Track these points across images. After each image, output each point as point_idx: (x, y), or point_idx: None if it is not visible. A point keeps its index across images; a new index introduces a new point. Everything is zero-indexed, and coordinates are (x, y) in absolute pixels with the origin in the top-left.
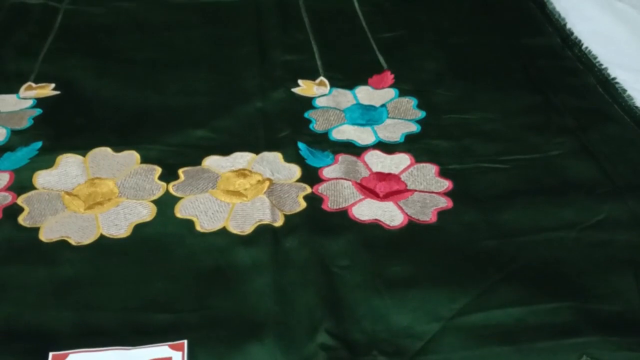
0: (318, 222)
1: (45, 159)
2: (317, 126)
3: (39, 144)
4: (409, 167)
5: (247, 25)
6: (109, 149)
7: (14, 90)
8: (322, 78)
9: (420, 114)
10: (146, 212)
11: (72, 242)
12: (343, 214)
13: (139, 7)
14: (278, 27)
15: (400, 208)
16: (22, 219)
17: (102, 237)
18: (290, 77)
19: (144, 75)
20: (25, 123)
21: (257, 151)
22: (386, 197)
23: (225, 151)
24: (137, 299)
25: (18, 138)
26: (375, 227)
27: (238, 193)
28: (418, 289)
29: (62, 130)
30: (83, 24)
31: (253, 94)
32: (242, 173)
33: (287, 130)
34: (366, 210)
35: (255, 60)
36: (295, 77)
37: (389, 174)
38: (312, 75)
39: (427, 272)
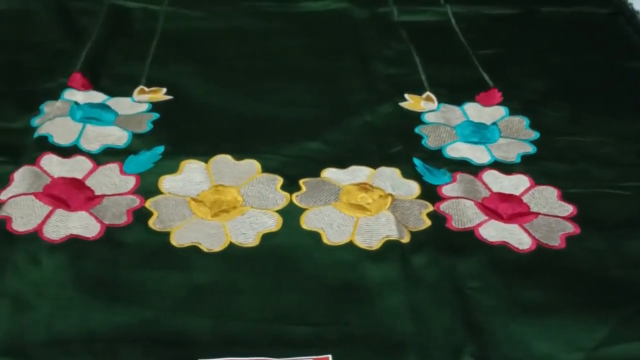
0: (445, 241)
1: (168, 164)
2: (430, 142)
3: (161, 149)
4: (529, 189)
5: (345, 36)
6: (229, 157)
7: (127, 93)
8: (428, 93)
9: (534, 135)
10: (272, 222)
11: (204, 248)
12: (469, 234)
13: (234, 12)
14: (376, 39)
15: (527, 231)
16: (152, 223)
17: (231, 245)
18: (396, 91)
19: (247, 84)
20: (145, 127)
21: (373, 165)
22: (510, 219)
23: (340, 164)
24: (272, 309)
25: (140, 141)
26: (504, 250)
27: (361, 207)
28: (556, 316)
29: (181, 135)
30: (183, 27)
31: (360, 107)
32: (363, 187)
33: (399, 145)
34: (492, 231)
35: (357, 73)
36: (400, 91)
37: (510, 195)
38: (417, 90)
39: (563, 298)
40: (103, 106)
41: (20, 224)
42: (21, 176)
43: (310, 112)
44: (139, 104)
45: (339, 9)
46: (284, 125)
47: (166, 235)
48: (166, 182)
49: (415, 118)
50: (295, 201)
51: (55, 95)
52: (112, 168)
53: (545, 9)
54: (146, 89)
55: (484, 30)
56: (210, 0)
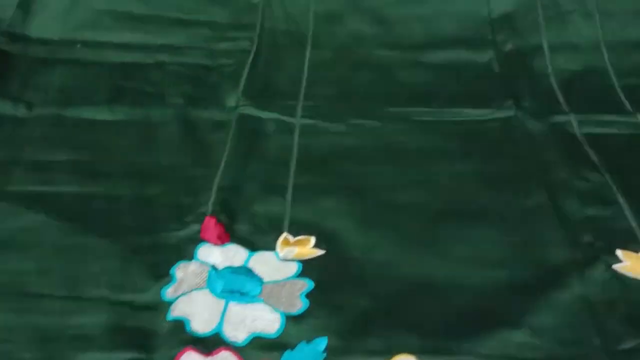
0: None
1: None
2: None
3: (324, 342)
4: None
5: (521, 156)
6: None
7: (270, 244)
8: None
9: None
10: None
11: None
12: None
13: (385, 127)
14: (560, 162)
15: None
16: None
17: None
18: (604, 245)
19: (412, 227)
20: (299, 304)
21: None
22: None
23: None
24: None
25: (296, 328)
26: None
27: None
28: None
29: (347, 317)
30: (324, 146)
31: (564, 270)
32: None
33: (634, 338)
34: None
35: (548, 215)
36: (609, 245)
37: None
38: (630, 243)
39: None
40: (246, 271)
41: None
42: None
43: (501, 277)
44: (286, 263)
45: (505, 118)
46: (474, 299)
47: None
48: None
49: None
50: None
51: (187, 251)
52: None
53: None
54: (291, 238)
55: None
56: (353, 109)
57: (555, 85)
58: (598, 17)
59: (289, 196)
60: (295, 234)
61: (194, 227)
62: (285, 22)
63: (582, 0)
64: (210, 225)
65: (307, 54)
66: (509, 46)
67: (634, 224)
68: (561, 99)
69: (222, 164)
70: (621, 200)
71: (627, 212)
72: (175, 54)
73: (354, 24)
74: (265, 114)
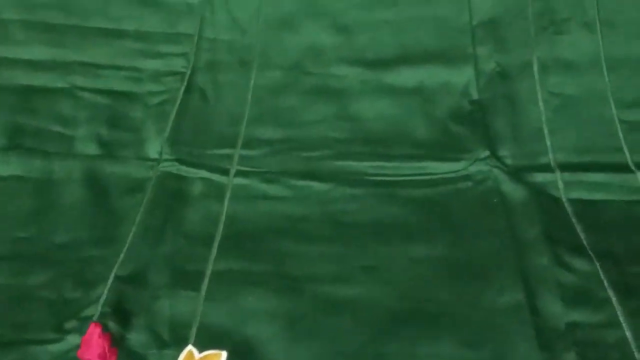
0: None
1: None
2: None
3: None
4: None
5: (498, 233)
6: None
7: None
8: None
9: None
10: None
11: None
12: None
13: (334, 191)
14: (541, 243)
15: None
16: None
17: None
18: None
19: (362, 342)
20: None
21: None
22: None
23: None
24: None
25: None
26: None
27: None
28: None
29: None
30: (260, 218)
31: None
32: None
33: None
34: None
35: (525, 322)
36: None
37: None
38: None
39: None
40: None
41: None
42: None
43: None
44: None
45: (480, 178)
46: None
47: None
48: None
49: None
50: None
51: None
52: None
53: None
54: (196, 354)
55: None
56: (299, 161)
57: (543, 120)
58: (599, 28)
59: (203, 288)
60: (203, 347)
61: (72, 340)
62: (229, 30)
63: (581, 5)
64: (94, 337)
65: (253, 77)
66: (491, 64)
67: (629, 333)
68: (548, 142)
69: (128, 242)
70: (614, 299)
71: (622, 317)
72: (92, 75)
73: (310, 32)
74: (191, 172)
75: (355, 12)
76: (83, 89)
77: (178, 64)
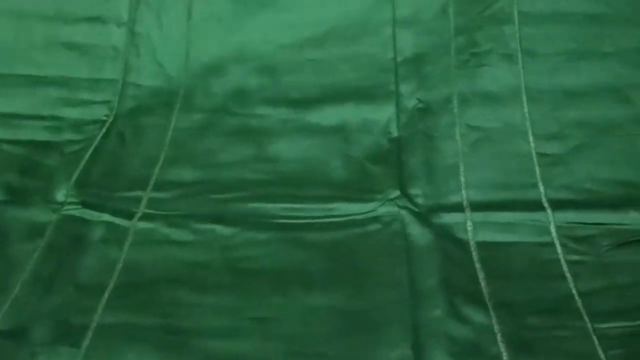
0: None
1: None
2: None
3: None
4: None
5: (397, 282)
6: None
7: None
8: None
9: None
10: None
11: None
12: None
13: (238, 236)
14: (441, 289)
15: None
16: None
17: None
18: None
19: None
20: None
21: None
22: None
23: None
24: None
25: None
26: None
27: None
28: None
29: None
30: (157, 265)
31: None
32: None
33: None
34: None
35: None
36: None
37: None
38: None
39: None
40: None
41: None
42: None
43: None
44: None
45: (388, 220)
46: None
47: None
48: None
49: None
50: None
51: None
52: None
53: None
54: None
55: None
56: (206, 204)
57: (460, 155)
58: (521, 58)
59: (85, 344)
60: None
61: None
62: (155, 76)
63: (503, 37)
64: None
65: (174, 119)
66: (413, 101)
67: None
68: (463, 178)
69: (15, 292)
70: (505, 355)
71: None
72: (11, 126)
73: (237, 75)
74: (95, 215)
75: (282, 53)
76: (1, 140)
77: (100, 112)
